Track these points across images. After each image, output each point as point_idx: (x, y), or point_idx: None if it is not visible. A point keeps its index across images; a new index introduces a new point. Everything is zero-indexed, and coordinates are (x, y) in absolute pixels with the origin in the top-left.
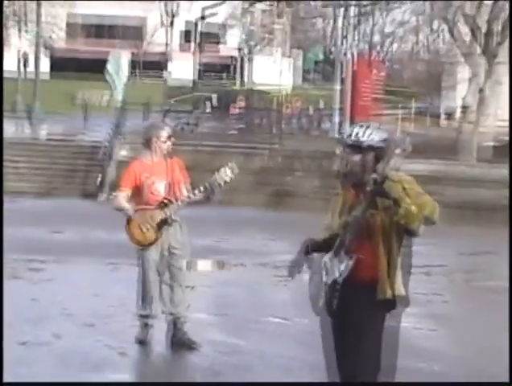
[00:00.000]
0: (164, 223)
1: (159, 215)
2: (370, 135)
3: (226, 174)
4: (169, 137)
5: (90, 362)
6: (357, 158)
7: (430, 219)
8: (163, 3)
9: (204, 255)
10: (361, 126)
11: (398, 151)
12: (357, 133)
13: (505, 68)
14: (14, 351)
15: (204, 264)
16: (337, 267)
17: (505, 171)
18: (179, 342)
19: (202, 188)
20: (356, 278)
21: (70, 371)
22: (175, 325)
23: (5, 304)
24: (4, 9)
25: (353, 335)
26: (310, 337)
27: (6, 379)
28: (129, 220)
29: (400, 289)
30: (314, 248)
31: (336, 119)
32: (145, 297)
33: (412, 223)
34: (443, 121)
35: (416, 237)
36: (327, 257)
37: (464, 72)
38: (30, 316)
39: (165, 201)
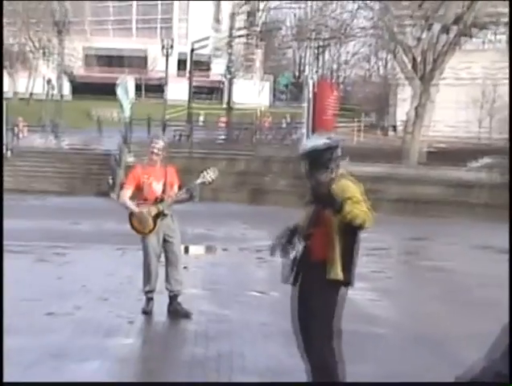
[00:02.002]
0: (159, 215)
1: (155, 209)
2: (309, 147)
3: (207, 176)
4: (163, 148)
5: (104, 329)
6: (304, 165)
7: (362, 227)
8: (160, 39)
9: (196, 241)
10: (306, 141)
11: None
12: (302, 147)
13: (437, 91)
14: (42, 320)
15: (197, 249)
16: (297, 247)
17: (438, 171)
18: (176, 313)
19: (187, 189)
20: (310, 259)
21: (89, 336)
22: (173, 298)
23: (34, 282)
24: (33, 43)
25: (306, 306)
26: (283, 307)
27: (33, 349)
28: (131, 213)
29: (348, 277)
30: (291, 231)
31: (304, 130)
32: (148, 276)
33: (355, 222)
34: (389, 132)
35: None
36: (296, 237)
37: (406, 92)
38: (55, 292)
39: (159, 198)
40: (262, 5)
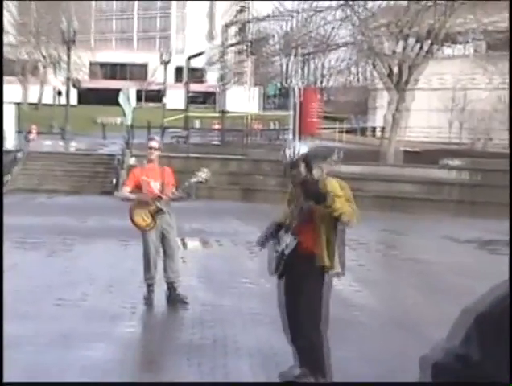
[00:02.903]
0: (157, 212)
1: (154, 207)
2: (299, 151)
3: (200, 175)
4: (158, 147)
5: (109, 315)
6: (293, 168)
7: (348, 223)
8: (159, 51)
9: (193, 235)
10: (293, 146)
11: (334, 158)
12: (291, 152)
13: (411, 97)
14: (53, 308)
15: (193, 243)
16: (285, 241)
17: (412, 170)
18: (174, 300)
19: (183, 188)
20: (300, 251)
21: (94, 322)
22: (171, 287)
23: (45, 273)
24: (43, 56)
25: (295, 294)
26: (272, 296)
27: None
28: (132, 211)
29: (337, 266)
30: (276, 227)
31: (291, 133)
32: (148, 268)
33: (343, 219)
34: (368, 135)
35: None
36: (281, 233)
37: (384, 98)
38: (64, 282)
39: (157, 196)
40: (251, 20)
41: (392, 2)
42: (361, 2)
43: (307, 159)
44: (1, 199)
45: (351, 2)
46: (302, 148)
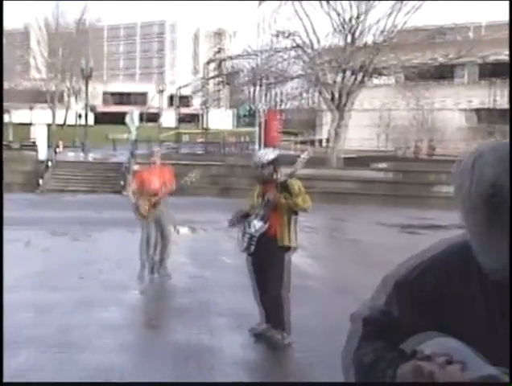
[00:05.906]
0: (156, 204)
1: (153, 200)
2: (266, 156)
3: (191, 177)
4: (159, 153)
5: (120, 285)
6: (263, 170)
7: (305, 210)
8: (156, 82)
9: (183, 224)
10: (262, 151)
11: (301, 158)
12: (260, 157)
13: (349, 116)
14: (76, 280)
15: (183, 230)
16: (255, 226)
17: (350, 172)
18: (163, 274)
19: (177, 185)
20: (267, 234)
21: (109, 291)
22: (162, 264)
23: (69, 255)
24: (67, 87)
25: (264, 267)
26: (244, 269)
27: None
28: (136, 204)
29: (295, 243)
30: (243, 214)
31: (257, 145)
32: (144, 249)
33: (301, 208)
34: (317, 145)
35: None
36: (250, 218)
37: (328, 117)
38: (85, 261)
39: (155, 192)
40: (226, 58)
41: (333, 44)
42: (309, 44)
43: (274, 163)
44: (1, 198)
45: (302, 44)
46: (269, 154)
